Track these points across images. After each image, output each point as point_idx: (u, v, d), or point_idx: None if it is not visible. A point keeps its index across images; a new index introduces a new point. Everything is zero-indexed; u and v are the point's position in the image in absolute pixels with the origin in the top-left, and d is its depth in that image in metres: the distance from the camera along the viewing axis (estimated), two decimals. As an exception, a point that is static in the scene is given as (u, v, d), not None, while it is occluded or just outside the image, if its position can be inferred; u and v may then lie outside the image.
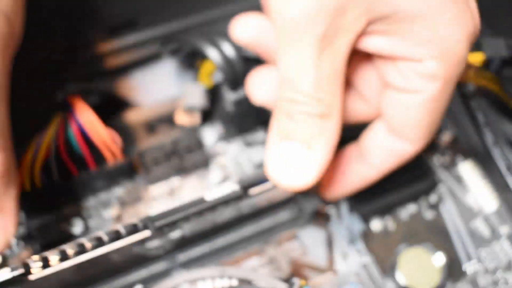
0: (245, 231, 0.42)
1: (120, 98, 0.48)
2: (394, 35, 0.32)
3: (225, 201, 0.37)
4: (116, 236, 0.36)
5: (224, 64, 0.42)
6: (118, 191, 0.44)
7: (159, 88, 0.49)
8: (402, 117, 0.35)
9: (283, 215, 0.43)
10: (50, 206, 0.42)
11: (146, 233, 0.37)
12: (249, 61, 0.42)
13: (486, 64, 0.44)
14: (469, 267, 0.43)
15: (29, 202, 0.41)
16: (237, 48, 0.43)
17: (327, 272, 0.42)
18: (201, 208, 0.37)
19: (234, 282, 0.38)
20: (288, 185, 0.34)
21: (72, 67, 0.46)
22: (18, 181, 0.37)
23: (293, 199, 0.42)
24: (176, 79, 0.50)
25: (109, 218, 0.43)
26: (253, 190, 0.38)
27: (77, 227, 0.42)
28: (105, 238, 0.36)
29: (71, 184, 0.42)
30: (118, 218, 0.43)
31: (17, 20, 0.34)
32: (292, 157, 0.33)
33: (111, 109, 0.46)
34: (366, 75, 0.37)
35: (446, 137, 0.47)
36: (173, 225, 0.37)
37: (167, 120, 0.47)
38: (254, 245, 0.42)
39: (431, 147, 0.47)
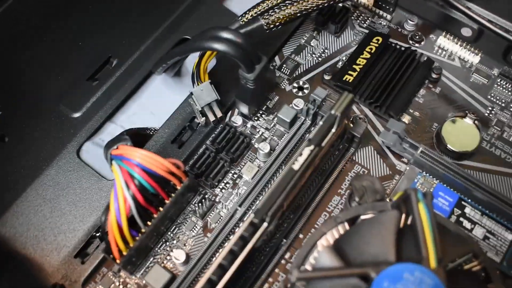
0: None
1: (142, 131, 0.47)
2: None
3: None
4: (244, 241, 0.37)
5: (236, 51, 0.41)
6: (192, 207, 0.44)
7: (167, 106, 0.49)
8: None
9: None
10: (147, 252, 0.42)
11: (264, 225, 0.38)
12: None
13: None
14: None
15: (127, 259, 0.40)
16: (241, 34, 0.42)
17: (394, 176, 0.46)
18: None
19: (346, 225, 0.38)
20: None
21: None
22: None
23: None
24: (173, 89, 0.50)
25: (199, 232, 0.43)
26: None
27: (180, 257, 0.42)
28: (236, 246, 0.37)
29: (154, 224, 0.41)
30: (206, 227, 0.44)
31: None
32: None
33: (141, 141, 0.46)
34: None
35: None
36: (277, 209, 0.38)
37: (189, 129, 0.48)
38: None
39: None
